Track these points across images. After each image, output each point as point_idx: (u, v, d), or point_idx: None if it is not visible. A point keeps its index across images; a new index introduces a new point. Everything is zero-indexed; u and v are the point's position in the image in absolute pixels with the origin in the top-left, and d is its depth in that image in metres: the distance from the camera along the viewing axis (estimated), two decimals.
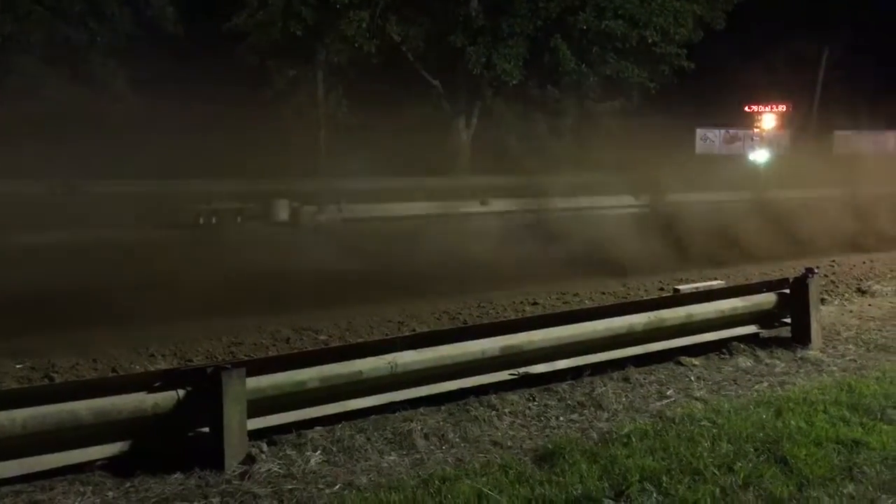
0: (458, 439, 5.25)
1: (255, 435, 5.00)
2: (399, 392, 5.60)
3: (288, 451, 4.97)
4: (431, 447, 5.13)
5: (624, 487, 4.41)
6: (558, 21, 30.79)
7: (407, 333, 7.41)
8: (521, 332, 6.17)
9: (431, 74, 32.18)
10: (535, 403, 5.90)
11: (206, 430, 4.84)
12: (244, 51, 30.68)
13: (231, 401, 4.75)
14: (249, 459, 4.80)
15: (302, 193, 20.58)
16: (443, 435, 5.29)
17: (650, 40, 31.15)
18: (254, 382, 4.94)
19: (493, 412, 5.69)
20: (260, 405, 5.01)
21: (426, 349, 5.70)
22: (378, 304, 9.70)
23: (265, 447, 4.98)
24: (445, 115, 32.95)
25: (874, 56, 33.72)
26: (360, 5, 29.46)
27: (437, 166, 30.84)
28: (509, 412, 5.71)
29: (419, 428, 5.35)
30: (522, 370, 6.10)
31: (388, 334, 7.79)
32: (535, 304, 9.72)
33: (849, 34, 34.33)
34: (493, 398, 5.86)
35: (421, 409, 5.61)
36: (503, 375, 6.03)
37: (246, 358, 6.73)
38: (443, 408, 5.69)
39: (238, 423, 4.80)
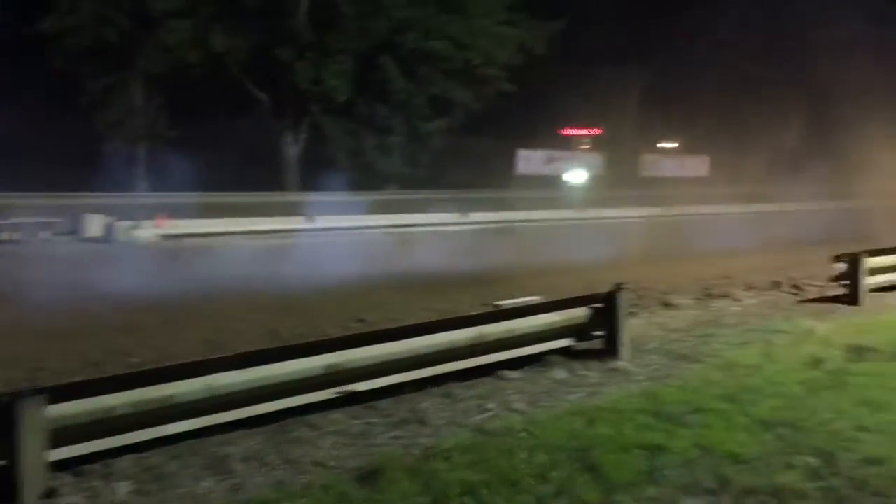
0: (278, 461, 5.14)
1: (59, 466, 4.69)
2: (217, 415, 5.41)
3: (94, 483, 4.69)
4: (251, 471, 4.99)
5: (444, 502, 4.47)
6: (387, 41, 31.12)
7: (227, 354, 7.17)
8: (346, 349, 6.12)
9: (258, 88, 31.58)
10: (359, 421, 5.88)
11: (4, 463, 4.48)
12: (54, 56, 28.81)
13: (29, 431, 4.42)
14: (51, 493, 4.49)
15: (117, 208, 19.62)
16: (262, 458, 5.16)
17: (474, 62, 32.10)
18: (56, 410, 4.63)
19: (316, 432, 5.62)
20: (64, 434, 4.70)
21: (246, 370, 5.55)
22: (196, 323, 9.35)
23: (69, 479, 4.68)
24: (272, 130, 32.43)
25: (686, 83, 36.17)
26: (182, 14, 28.48)
27: (264, 181, 30.25)
28: (332, 431, 5.66)
29: (237, 452, 5.20)
30: (347, 388, 6.06)
31: (207, 355, 7.50)
32: (362, 321, 9.69)
33: (664, 61, 36.65)
34: (317, 418, 5.79)
35: (240, 432, 5.45)
36: (327, 394, 5.97)
37: (48, 385, 6.28)
38: (263, 429, 5.55)
39: (37, 455, 4.47)
